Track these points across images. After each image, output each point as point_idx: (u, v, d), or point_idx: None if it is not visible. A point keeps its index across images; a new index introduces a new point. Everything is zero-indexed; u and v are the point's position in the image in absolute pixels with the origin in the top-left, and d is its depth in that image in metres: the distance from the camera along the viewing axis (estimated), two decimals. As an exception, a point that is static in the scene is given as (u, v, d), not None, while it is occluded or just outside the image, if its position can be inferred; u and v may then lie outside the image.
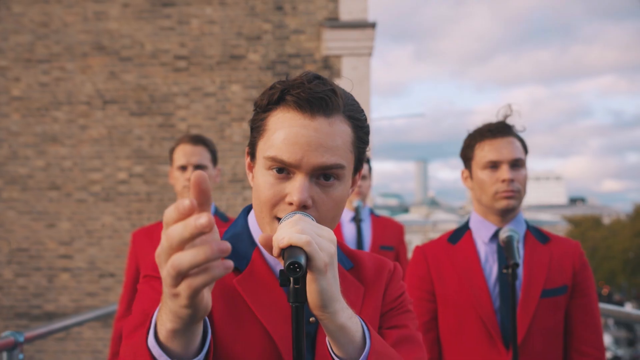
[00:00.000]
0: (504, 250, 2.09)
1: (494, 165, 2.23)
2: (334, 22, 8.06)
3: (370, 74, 8.13)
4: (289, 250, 0.99)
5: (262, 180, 1.19)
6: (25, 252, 8.12)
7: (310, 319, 1.20)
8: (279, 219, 1.16)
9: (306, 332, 1.19)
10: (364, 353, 1.08)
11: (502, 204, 2.22)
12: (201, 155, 2.97)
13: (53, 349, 7.97)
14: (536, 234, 2.31)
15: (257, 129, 1.22)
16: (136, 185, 8.09)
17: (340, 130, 1.18)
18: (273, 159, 1.16)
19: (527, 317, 2.15)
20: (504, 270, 2.06)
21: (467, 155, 2.33)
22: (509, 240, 2.09)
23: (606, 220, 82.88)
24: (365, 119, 1.26)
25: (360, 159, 1.26)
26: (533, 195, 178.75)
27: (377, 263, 1.37)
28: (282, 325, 1.18)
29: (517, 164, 2.22)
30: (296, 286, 1.00)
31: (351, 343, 1.07)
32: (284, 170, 1.16)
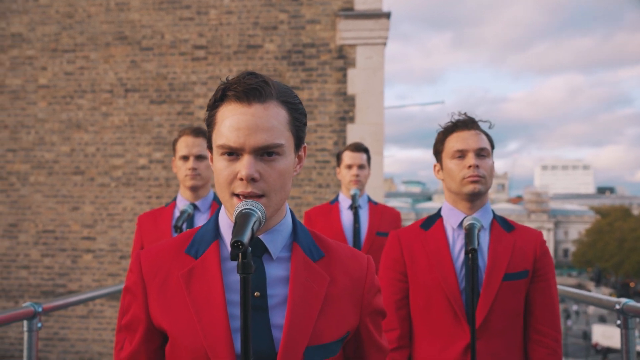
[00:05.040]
0: (465, 237, 2.30)
1: (461, 155, 2.43)
2: (348, 12, 8.23)
3: (384, 63, 8.28)
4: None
5: (218, 165, 1.41)
6: (51, 233, 8.50)
7: (255, 293, 1.42)
8: (236, 195, 1.39)
9: (257, 305, 1.41)
10: None
11: (469, 188, 2.41)
12: (201, 146, 3.23)
13: (77, 326, 8.35)
14: (502, 223, 2.51)
15: (209, 125, 1.46)
16: (156, 170, 8.39)
17: (274, 113, 1.39)
18: (222, 146, 1.39)
19: (490, 298, 2.35)
20: (466, 253, 2.28)
21: (438, 149, 2.54)
22: (471, 228, 2.29)
23: (636, 211, 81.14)
24: (299, 102, 1.47)
25: (300, 136, 1.47)
26: (559, 184, 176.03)
27: (350, 256, 1.55)
28: (209, 314, 1.40)
29: (482, 153, 2.43)
30: (244, 260, 1.22)
31: None
32: (233, 153, 1.39)
